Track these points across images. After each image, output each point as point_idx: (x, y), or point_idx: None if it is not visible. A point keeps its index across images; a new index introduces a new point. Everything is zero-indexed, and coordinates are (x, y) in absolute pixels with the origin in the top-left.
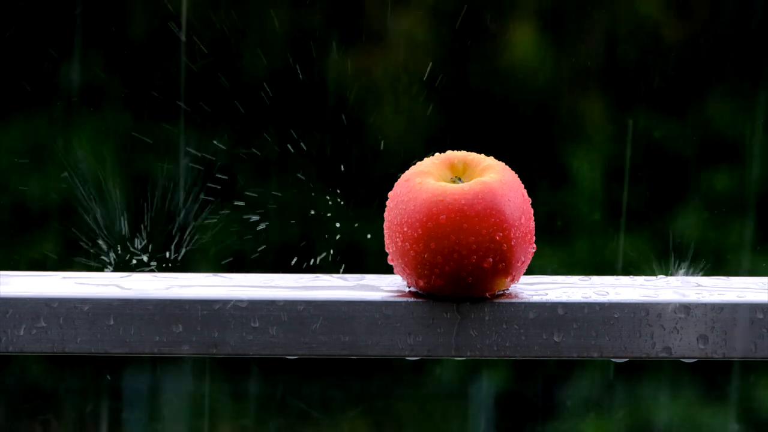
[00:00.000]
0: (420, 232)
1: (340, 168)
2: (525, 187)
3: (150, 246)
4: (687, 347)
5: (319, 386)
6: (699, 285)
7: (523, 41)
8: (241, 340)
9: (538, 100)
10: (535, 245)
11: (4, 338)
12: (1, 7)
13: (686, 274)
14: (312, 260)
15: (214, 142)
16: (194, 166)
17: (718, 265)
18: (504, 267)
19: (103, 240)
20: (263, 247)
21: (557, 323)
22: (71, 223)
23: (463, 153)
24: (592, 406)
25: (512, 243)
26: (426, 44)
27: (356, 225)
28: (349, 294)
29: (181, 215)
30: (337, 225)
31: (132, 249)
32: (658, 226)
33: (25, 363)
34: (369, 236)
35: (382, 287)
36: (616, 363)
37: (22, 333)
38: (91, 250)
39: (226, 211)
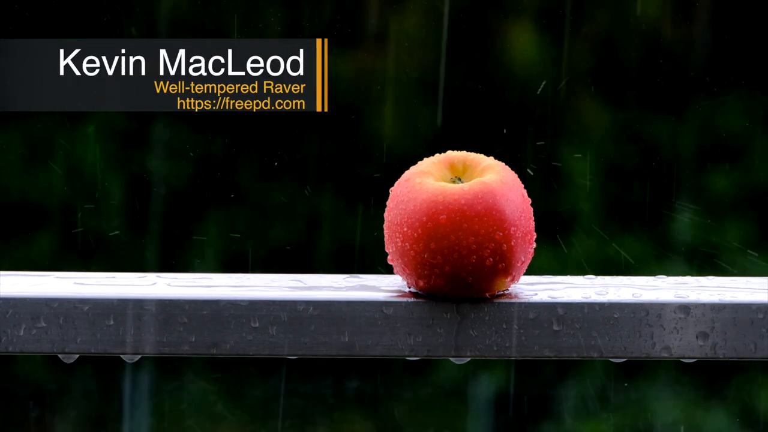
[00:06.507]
0: (420, 232)
1: (340, 168)
2: (525, 187)
3: (150, 246)
4: (687, 347)
5: (319, 386)
6: (699, 285)
7: (522, 41)
8: (241, 340)
9: (537, 99)
10: (535, 245)
11: (4, 338)
12: None
13: (685, 274)
14: (312, 260)
15: (214, 142)
16: (194, 165)
17: (717, 265)
18: (504, 267)
19: (103, 239)
20: (263, 247)
21: (557, 323)
22: (71, 223)
23: (463, 153)
24: (591, 406)
25: (512, 243)
26: (426, 44)
27: (356, 225)
28: (349, 294)
29: (181, 215)
30: (337, 225)
31: (131, 248)
32: (658, 225)
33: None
34: (369, 236)
35: (382, 287)
36: (615, 363)
37: (22, 333)
38: (91, 250)
39: (226, 211)
